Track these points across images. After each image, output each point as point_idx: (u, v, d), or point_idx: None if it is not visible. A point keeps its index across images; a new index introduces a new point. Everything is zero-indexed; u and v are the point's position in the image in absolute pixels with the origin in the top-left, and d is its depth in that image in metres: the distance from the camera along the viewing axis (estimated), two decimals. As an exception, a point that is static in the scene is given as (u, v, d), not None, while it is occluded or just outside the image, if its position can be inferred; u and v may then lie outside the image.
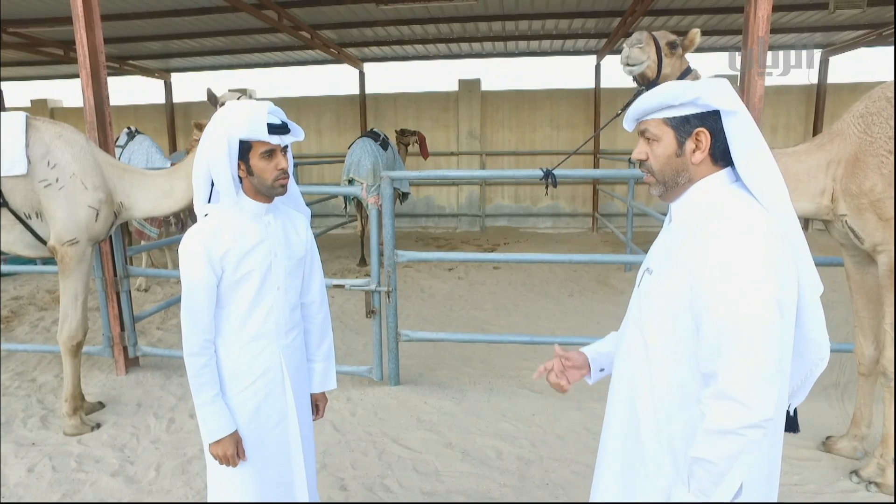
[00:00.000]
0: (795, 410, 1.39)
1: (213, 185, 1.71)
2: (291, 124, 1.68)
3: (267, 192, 1.70)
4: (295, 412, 1.79)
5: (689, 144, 1.26)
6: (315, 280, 1.91)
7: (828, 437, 3.00)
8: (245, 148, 1.63)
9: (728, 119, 1.23)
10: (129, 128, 6.47)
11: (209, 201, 1.73)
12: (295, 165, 7.75)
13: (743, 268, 1.13)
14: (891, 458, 2.62)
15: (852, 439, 2.89)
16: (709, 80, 1.26)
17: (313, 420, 1.97)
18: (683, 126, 1.26)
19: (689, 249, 1.21)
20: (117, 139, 6.45)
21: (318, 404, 2.00)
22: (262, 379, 1.73)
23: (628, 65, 2.77)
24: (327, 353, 1.97)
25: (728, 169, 1.28)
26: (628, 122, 1.36)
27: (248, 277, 1.68)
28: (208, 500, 1.80)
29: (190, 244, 1.64)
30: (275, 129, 1.63)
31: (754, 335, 1.11)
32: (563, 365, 1.52)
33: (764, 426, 1.11)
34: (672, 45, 2.73)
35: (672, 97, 1.24)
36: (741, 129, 1.23)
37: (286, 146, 1.70)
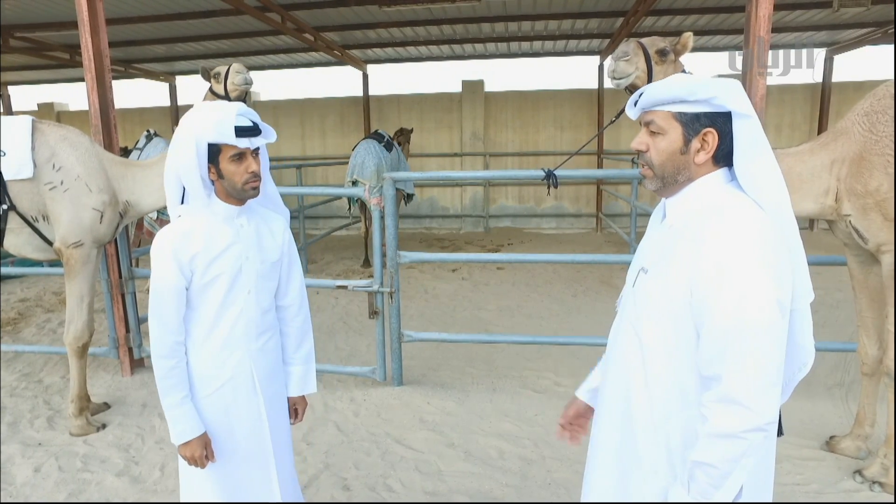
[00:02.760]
0: (779, 413, 1.39)
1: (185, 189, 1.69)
2: (263, 126, 1.67)
3: (238, 196, 1.68)
4: (266, 417, 1.77)
5: (695, 143, 1.24)
6: (293, 282, 1.88)
7: (831, 437, 2.99)
8: (215, 151, 1.62)
9: (740, 122, 1.20)
10: (148, 131, 6.64)
11: (182, 202, 1.72)
12: (299, 167, 7.82)
13: (743, 269, 1.12)
14: (894, 459, 2.61)
15: (856, 439, 2.88)
16: (724, 80, 1.23)
17: (292, 424, 1.95)
18: (693, 124, 1.23)
19: (687, 250, 1.20)
20: (137, 142, 6.58)
21: (296, 408, 1.96)
22: (230, 383, 1.72)
23: (615, 78, 2.77)
24: (306, 357, 1.94)
25: (725, 169, 1.26)
26: (633, 111, 1.32)
27: (216, 281, 1.67)
28: (180, 500, 1.81)
29: (159, 246, 1.63)
30: (244, 131, 1.60)
31: (758, 338, 1.11)
32: (570, 423, 1.57)
33: (767, 429, 1.11)
34: (662, 53, 2.71)
35: (687, 92, 1.21)
36: (750, 134, 1.21)
37: (257, 148, 1.68)
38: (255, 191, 1.69)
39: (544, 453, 2.99)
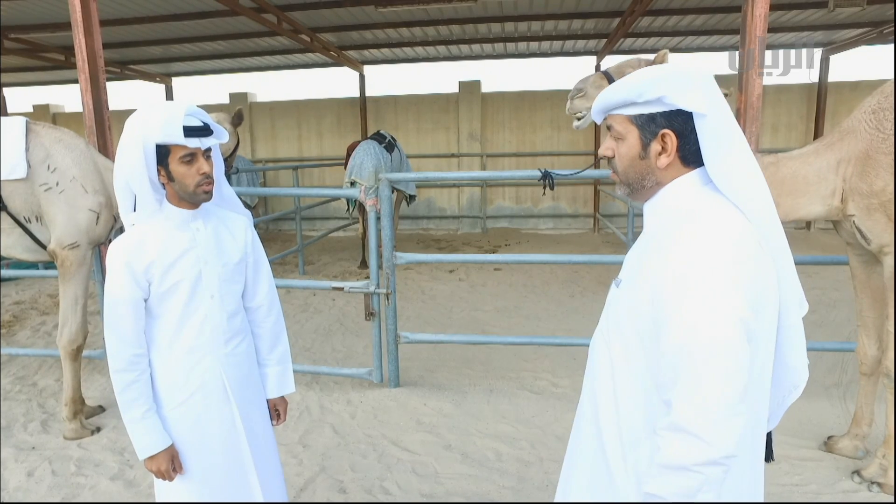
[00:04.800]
0: (770, 438, 1.28)
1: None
2: (214, 125, 1.61)
3: (190, 199, 1.62)
4: (241, 423, 1.73)
5: (655, 146, 1.14)
6: (262, 283, 1.83)
7: (829, 437, 2.98)
8: (164, 152, 1.56)
9: (699, 121, 1.10)
10: None
11: (135, 209, 1.65)
12: (296, 168, 7.80)
13: (703, 282, 1.00)
14: (893, 459, 2.60)
15: (853, 438, 2.87)
16: (679, 73, 1.11)
17: (275, 425, 1.92)
18: (648, 125, 1.14)
19: (654, 258, 1.10)
20: None
21: (277, 409, 1.93)
22: (199, 392, 1.67)
23: (571, 114, 2.77)
24: (282, 357, 1.90)
25: (701, 169, 1.15)
26: (597, 116, 1.24)
27: (176, 288, 1.62)
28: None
29: (112, 258, 1.57)
30: (194, 131, 1.55)
31: (713, 361, 0.98)
32: None
33: (724, 463, 0.98)
34: None
35: (636, 93, 1.11)
36: (713, 131, 1.10)
37: (208, 149, 1.62)
38: (208, 194, 1.63)
39: (541, 455, 2.97)
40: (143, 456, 1.61)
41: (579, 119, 2.79)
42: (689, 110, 1.10)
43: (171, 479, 1.64)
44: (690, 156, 1.14)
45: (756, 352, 1.07)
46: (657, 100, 1.11)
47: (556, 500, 1.41)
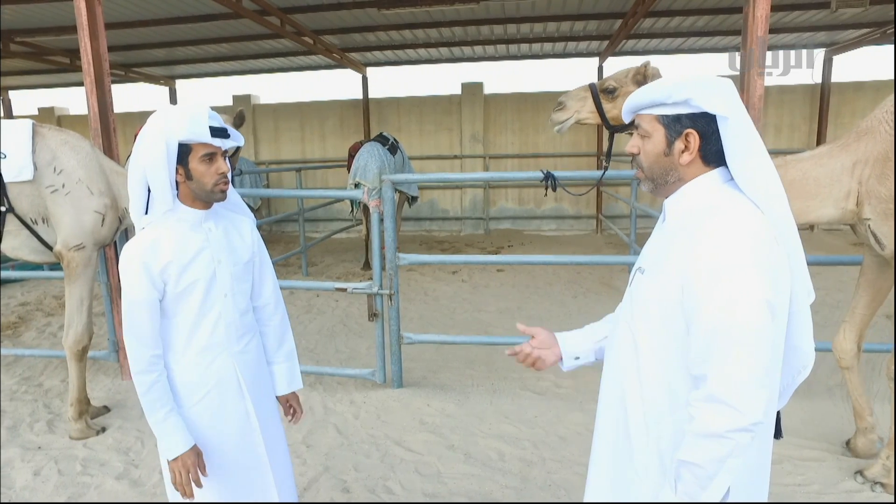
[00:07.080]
0: (779, 416, 1.36)
1: (149, 193, 1.65)
2: (231, 130, 1.66)
3: (206, 198, 1.66)
4: (256, 418, 1.76)
5: (679, 145, 1.25)
6: (267, 282, 1.87)
7: (847, 441, 2.95)
8: (184, 151, 1.59)
9: (722, 123, 1.20)
10: None
11: (147, 212, 1.68)
12: (299, 169, 7.83)
13: (734, 269, 1.12)
14: (896, 459, 2.60)
15: (864, 433, 2.85)
16: (705, 79, 1.22)
17: (291, 421, 1.95)
18: (674, 125, 1.24)
19: (681, 249, 1.20)
20: None
21: (291, 404, 1.96)
22: (216, 389, 1.70)
23: (553, 125, 3.06)
24: (289, 354, 1.94)
25: (722, 168, 1.25)
26: (626, 115, 1.35)
27: (192, 288, 1.64)
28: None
29: (128, 261, 1.59)
30: (216, 131, 1.60)
31: (744, 338, 1.10)
32: (532, 346, 1.57)
33: (753, 430, 1.10)
34: (607, 91, 2.93)
35: (665, 95, 1.23)
36: (735, 134, 1.20)
37: (226, 150, 1.67)
38: (224, 193, 1.67)
39: (544, 455, 2.98)
40: (170, 456, 1.61)
41: (555, 126, 3.07)
42: (714, 113, 1.20)
43: (197, 479, 1.62)
44: (711, 155, 1.24)
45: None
46: (684, 102, 1.22)
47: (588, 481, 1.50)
